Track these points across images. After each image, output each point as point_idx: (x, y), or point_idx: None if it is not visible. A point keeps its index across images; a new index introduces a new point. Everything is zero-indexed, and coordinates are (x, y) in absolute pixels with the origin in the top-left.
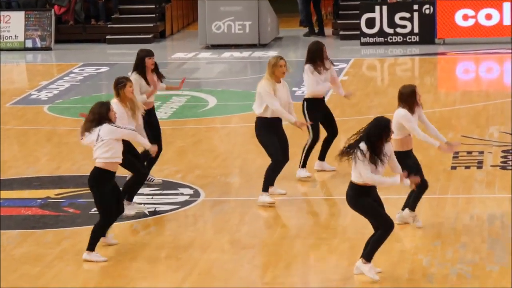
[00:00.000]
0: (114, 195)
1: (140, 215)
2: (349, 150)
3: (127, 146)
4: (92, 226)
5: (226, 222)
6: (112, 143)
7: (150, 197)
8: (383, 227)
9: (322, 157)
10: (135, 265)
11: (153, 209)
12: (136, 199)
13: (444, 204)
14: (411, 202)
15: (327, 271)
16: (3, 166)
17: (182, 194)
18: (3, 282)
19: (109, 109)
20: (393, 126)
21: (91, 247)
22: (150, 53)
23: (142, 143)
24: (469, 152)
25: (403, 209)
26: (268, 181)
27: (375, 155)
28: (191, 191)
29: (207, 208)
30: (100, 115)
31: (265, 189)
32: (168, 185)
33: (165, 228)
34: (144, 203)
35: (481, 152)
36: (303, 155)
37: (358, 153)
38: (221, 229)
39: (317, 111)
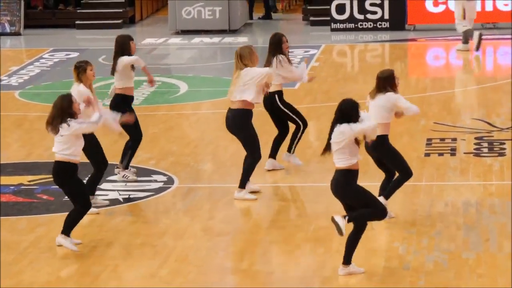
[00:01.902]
0: (82, 184)
1: (114, 202)
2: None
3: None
4: (67, 213)
5: (200, 209)
6: (72, 139)
7: (124, 184)
8: (376, 214)
9: (273, 154)
10: (110, 252)
11: (127, 196)
12: (110, 185)
13: (418, 192)
14: (388, 191)
15: (303, 258)
16: None
17: (155, 181)
18: None
19: (72, 102)
20: (382, 111)
21: (67, 232)
22: (132, 37)
23: (110, 128)
24: (442, 139)
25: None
26: (247, 178)
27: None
28: (164, 178)
29: (181, 195)
30: (62, 110)
31: (244, 185)
32: (141, 172)
33: (140, 215)
34: (118, 190)
35: (454, 139)
36: (295, 142)
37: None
38: (195, 216)
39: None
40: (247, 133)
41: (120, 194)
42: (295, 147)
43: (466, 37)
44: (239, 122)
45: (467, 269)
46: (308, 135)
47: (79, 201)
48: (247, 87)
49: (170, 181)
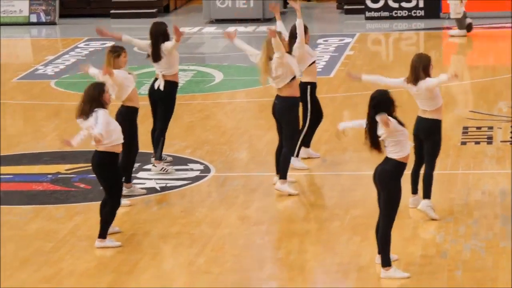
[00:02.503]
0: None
1: (151, 191)
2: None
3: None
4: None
5: (236, 198)
6: (112, 126)
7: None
8: (385, 221)
9: (308, 144)
10: (148, 241)
11: (164, 185)
12: (146, 174)
13: (455, 180)
14: (426, 190)
15: (339, 247)
16: (11, 141)
17: (192, 169)
18: (18, 256)
19: (103, 91)
20: (428, 101)
21: (103, 235)
22: (166, 25)
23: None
24: (479, 128)
25: (414, 192)
26: (287, 168)
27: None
28: (201, 167)
29: (217, 183)
30: (92, 98)
31: (285, 176)
32: (178, 161)
33: (177, 203)
34: (155, 179)
35: (491, 128)
36: (299, 143)
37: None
38: (232, 204)
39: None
40: (296, 124)
41: (157, 183)
42: (299, 150)
43: (462, 23)
44: (290, 109)
45: (504, 258)
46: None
47: (113, 196)
48: (285, 74)
49: (206, 169)
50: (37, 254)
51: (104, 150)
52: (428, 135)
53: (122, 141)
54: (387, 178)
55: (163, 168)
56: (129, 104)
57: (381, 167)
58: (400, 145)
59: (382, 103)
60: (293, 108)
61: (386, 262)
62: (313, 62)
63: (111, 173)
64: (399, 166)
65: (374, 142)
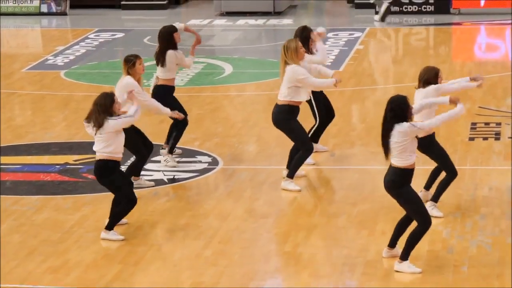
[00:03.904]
0: (125, 178)
1: (159, 183)
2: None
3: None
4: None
5: (244, 190)
6: (112, 136)
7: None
8: (420, 223)
9: (316, 140)
10: (155, 232)
11: (172, 177)
12: (155, 166)
13: (463, 176)
14: (436, 193)
15: (347, 240)
16: (20, 131)
17: (200, 161)
18: (25, 246)
19: (113, 101)
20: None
21: (110, 227)
22: (175, 28)
23: (159, 112)
24: (487, 123)
25: (426, 188)
26: (296, 169)
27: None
28: (209, 159)
29: (225, 176)
30: (103, 107)
31: (292, 175)
32: (186, 153)
33: (184, 196)
34: (163, 171)
35: (499, 124)
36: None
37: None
38: (239, 197)
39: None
40: (291, 125)
41: (164, 175)
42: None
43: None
44: (282, 114)
45: (510, 254)
46: (352, 118)
47: (122, 198)
48: (293, 89)
49: (214, 162)
50: (44, 244)
51: (101, 158)
52: (429, 150)
53: (120, 155)
54: (396, 188)
55: (166, 159)
56: None
57: (389, 178)
58: (409, 151)
59: (400, 108)
60: (290, 112)
61: (406, 256)
62: None
63: (110, 180)
64: (406, 173)
65: (386, 147)
